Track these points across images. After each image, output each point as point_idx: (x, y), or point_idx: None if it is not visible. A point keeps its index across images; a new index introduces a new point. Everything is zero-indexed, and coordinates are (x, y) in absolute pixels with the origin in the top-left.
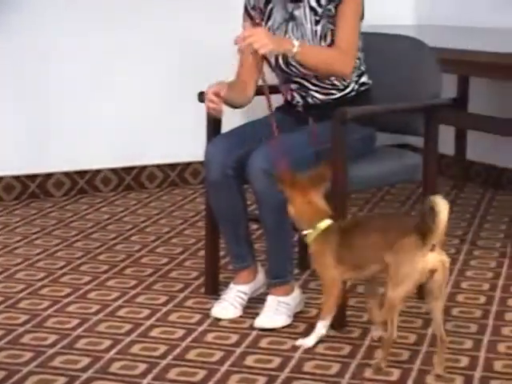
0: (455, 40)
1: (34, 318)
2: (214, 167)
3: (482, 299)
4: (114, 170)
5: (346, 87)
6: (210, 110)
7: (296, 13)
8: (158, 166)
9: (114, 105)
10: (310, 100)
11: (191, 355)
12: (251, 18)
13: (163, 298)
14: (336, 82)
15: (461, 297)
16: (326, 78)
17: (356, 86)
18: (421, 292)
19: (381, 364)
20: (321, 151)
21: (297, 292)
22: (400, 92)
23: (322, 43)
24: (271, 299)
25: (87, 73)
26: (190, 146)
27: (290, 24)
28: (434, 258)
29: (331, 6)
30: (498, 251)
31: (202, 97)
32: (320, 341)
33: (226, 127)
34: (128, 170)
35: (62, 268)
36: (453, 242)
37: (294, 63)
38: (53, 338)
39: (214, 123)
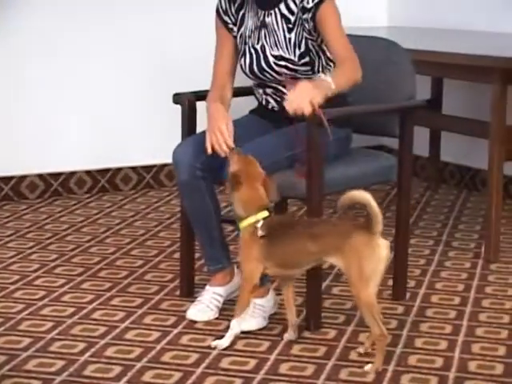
0: (428, 42)
1: (8, 321)
2: (182, 169)
3: (457, 300)
4: (88, 172)
5: None
6: (217, 149)
7: (267, 19)
8: (133, 168)
9: (88, 107)
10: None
11: (166, 357)
12: (224, 22)
13: (138, 301)
14: None
15: (435, 298)
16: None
17: None
18: (395, 293)
19: (379, 367)
20: (296, 154)
21: (271, 294)
22: (375, 93)
23: (297, 51)
24: None
25: (62, 74)
26: (165, 148)
27: (263, 31)
28: (384, 244)
29: (307, 16)
30: (473, 252)
31: (177, 98)
32: (295, 342)
33: (201, 128)
34: (103, 172)
35: (35, 271)
36: (427, 243)
37: (267, 69)
38: (26, 341)
39: (188, 125)
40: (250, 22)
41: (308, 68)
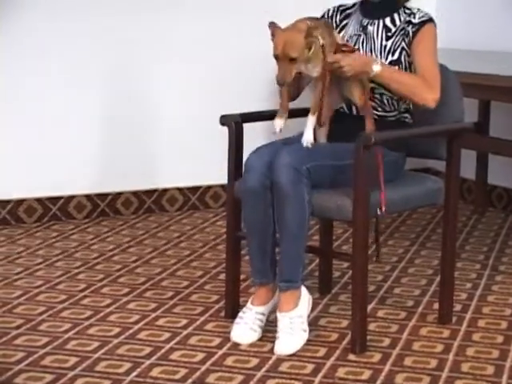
0: (475, 64)
1: (55, 340)
2: (253, 175)
3: (504, 325)
4: (134, 193)
5: (395, 109)
6: None
7: (369, 27)
8: (179, 189)
9: (134, 127)
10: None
11: (211, 379)
12: None
13: (183, 321)
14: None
15: (482, 322)
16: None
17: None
18: (441, 317)
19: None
20: (342, 166)
21: (304, 293)
22: (423, 116)
23: (389, 57)
24: (282, 318)
25: (111, 98)
26: (211, 170)
27: (362, 37)
28: None
29: (410, 30)
30: None
31: (224, 120)
32: (340, 365)
33: (247, 150)
34: (149, 193)
35: (82, 290)
36: (474, 267)
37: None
38: (73, 360)
39: (235, 147)
40: (350, 29)
41: None
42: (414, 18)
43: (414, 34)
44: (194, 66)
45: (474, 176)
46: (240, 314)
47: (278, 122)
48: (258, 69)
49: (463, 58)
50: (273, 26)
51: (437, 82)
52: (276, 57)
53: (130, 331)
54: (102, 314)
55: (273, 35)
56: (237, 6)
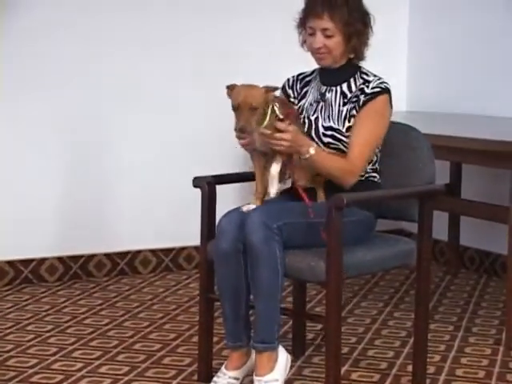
0: (446, 127)
1: None
2: (225, 239)
3: None
4: (107, 255)
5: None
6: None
7: (328, 94)
8: (152, 251)
9: (106, 189)
10: None
11: None
12: (287, 95)
13: None
14: None
15: None
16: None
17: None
18: (415, 379)
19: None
20: (315, 224)
21: (282, 354)
22: (395, 178)
23: (346, 123)
24: (258, 383)
25: (81, 158)
26: (184, 231)
27: (321, 104)
28: None
29: (362, 98)
30: (493, 338)
31: (196, 182)
32: None
33: (220, 211)
34: (122, 254)
35: (53, 354)
36: (447, 328)
37: (316, 139)
38: None
39: (208, 208)
40: (310, 97)
41: None
42: (368, 86)
43: (364, 103)
44: (166, 127)
45: (446, 237)
46: (214, 378)
47: (248, 207)
48: (231, 131)
49: (434, 120)
50: (230, 86)
51: (360, 164)
52: (236, 107)
53: None
54: (73, 379)
55: (230, 89)
56: (211, 67)
